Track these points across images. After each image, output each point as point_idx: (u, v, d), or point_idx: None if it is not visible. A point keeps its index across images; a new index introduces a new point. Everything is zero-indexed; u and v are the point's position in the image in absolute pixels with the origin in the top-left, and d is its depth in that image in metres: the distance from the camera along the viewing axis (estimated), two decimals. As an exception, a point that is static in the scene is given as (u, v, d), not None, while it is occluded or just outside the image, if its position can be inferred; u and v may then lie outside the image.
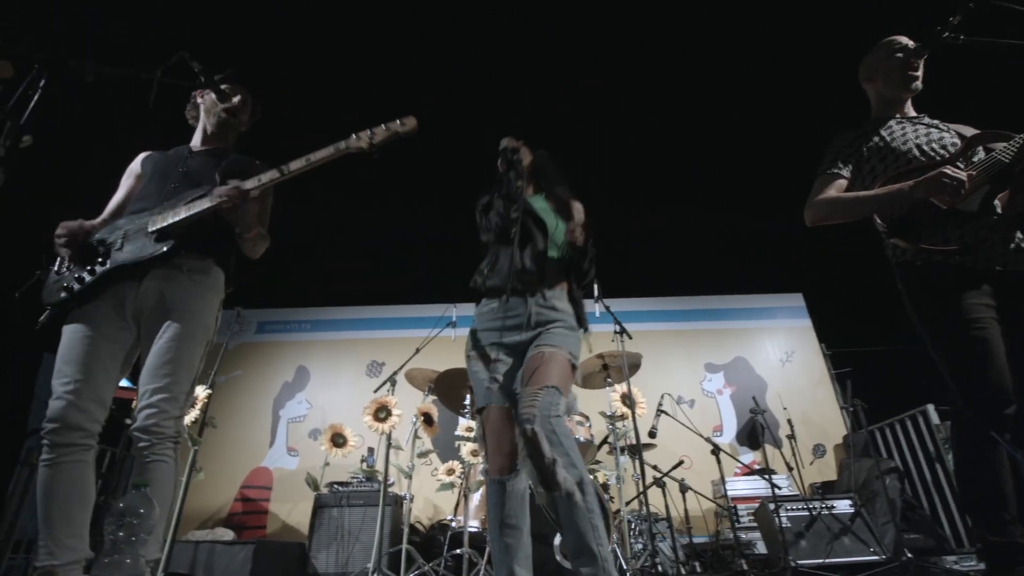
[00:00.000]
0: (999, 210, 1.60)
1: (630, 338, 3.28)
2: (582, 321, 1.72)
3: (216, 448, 4.61)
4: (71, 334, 1.46)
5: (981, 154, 1.65)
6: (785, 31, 4.31)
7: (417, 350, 3.77)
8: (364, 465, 4.14)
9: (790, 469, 3.71)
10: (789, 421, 4.30)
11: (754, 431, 3.80)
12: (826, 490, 4.11)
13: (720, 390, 4.98)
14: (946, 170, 1.54)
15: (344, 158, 1.75)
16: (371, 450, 4.26)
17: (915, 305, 1.63)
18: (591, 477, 2.71)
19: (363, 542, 3.39)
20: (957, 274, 1.55)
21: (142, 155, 1.92)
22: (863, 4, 4.18)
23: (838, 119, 2.06)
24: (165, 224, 1.56)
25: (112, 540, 1.03)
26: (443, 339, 4.10)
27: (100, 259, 1.53)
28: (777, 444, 4.46)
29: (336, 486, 3.69)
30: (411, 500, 3.44)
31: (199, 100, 1.97)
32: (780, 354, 5.13)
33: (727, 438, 4.74)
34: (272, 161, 1.97)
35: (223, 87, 1.91)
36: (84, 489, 1.37)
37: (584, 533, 1.32)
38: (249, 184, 1.62)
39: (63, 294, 1.49)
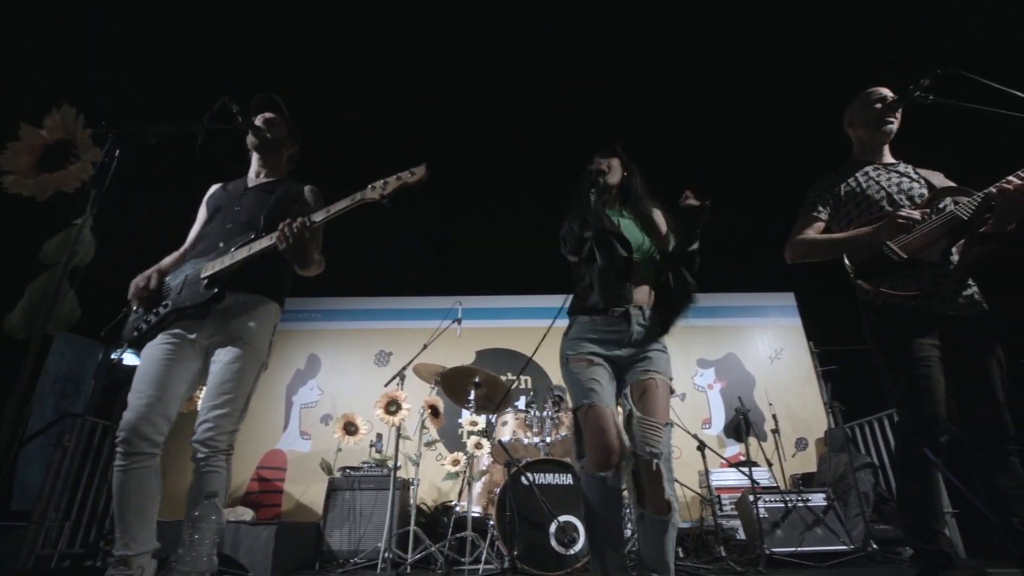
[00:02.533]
0: (954, 260, 1.80)
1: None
2: (667, 325, 1.73)
3: (233, 430, 4.88)
4: (149, 356, 1.68)
5: (949, 203, 1.83)
6: (780, 34, 4.42)
7: (425, 346, 4.00)
8: (373, 451, 4.42)
9: (770, 465, 3.97)
10: (774, 416, 4.56)
11: (739, 427, 4.05)
12: (806, 482, 4.39)
13: (711, 384, 5.23)
14: (900, 212, 1.74)
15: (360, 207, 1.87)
16: (379, 436, 4.52)
17: (874, 341, 1.85)
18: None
19: (374, 523, 3.66)
20: (911, 317, 1.76)
21: (212, 188, 2.11)
22: (853, 8, 4.28)
23: (832, 120, 2.22)
24: (214, 272, 1.76)
25: (189, 541, 1.27)
26: (448, 334, 4.30)
27: (164, 302, 1.75)
28: (762, 437, 4.72)
29: (348, 471, 3.96)
30: (417, 485, 3.71)
31: (248, 142, 2.12)
32: (770, 351, 5.37)
33: (715, 430, 5.02)
34: (319, 184, 2.16)
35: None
36: (152, 490, 1.61)
37: (668, 551, 1.50)
38: (303, 221, 1.74)
39: (135, 333, 1.72)
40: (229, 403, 1.65)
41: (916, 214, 1.73)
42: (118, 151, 1.41)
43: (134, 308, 1.83)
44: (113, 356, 6.05)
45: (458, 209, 5.47)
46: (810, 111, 4.48)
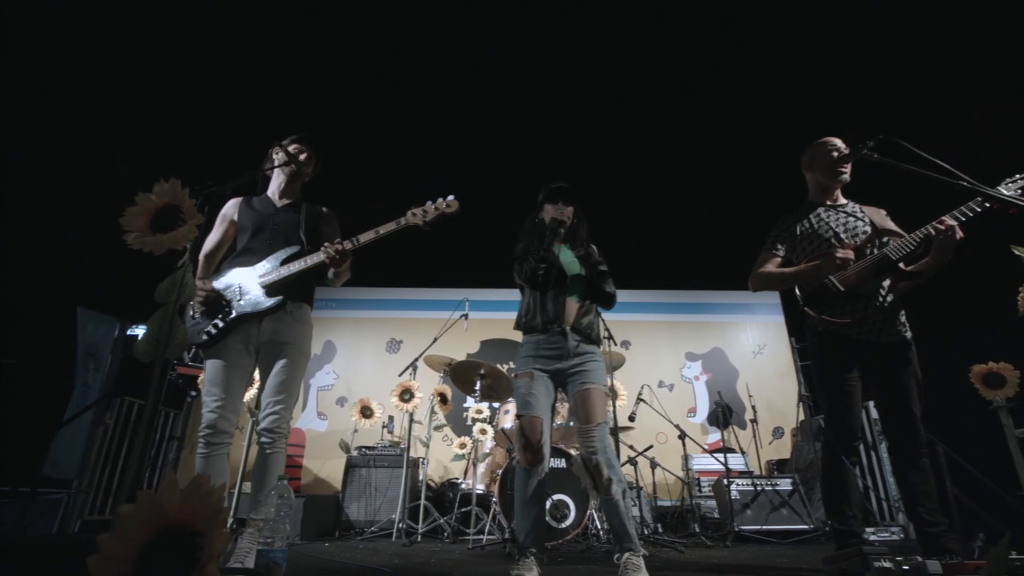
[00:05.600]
0: (883, 293, 2.15)
1: (615, 343, 3.87)
2: (597, 338, 2.21)
3: (256, 410, 5.31)
4: (214, 365, 2.04)
5: (889, 242, 2.17)
6: (764, 49, 4.68)
7: (435, 339, 4.39)
8: (386, 432, 4.85)
9: (743, 452, 4.39)
10: (753, 407, 4.97)
11: (719, 417, 4.46)
12: (779, 468, 4.81)
13: (697, 376, 5.63)
14: (836, 252, 2.10)
15: (404, 230, 2.25)
16: (391, 418, 4.95)
17: (812, 359, 2.22)
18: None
19: (388, 497, 4.10)
20: (844, 341, 2.12)
21: (234, 202, 2.39)
22: (825, 30, 4.54)
23: (812, 125, 2.53)
24: (272, 281, 2.12)
25: (267, 514, 1.66)
26: (456, 325, 4.68)
27: (227, 308, 2.11)
28: (741, 426, 5.14)
29: (364, 450, 4.39)
30: (427, 464, 4.13)
31: (275, 156, 2.46)
32: (753, 346, 5.76)
33: (699, 419, 5.44)
34: (332, 204, 2.52)
35: (291, 148, 2.43)
36: (226, 471, 2.00)
37: (625, 524, 1.94)
38: (348, 244, 2.14)
39: (204, 336, 2.07)
40: (287, 399, 2.03)
41: (851, 254, 2.08)
42: (207, 207, 1.76)
43: (193, 314, 2.18)
44: (129, 332, 6.43)
45: (467, 205, 5.80)
46: (793, 118, 4.80)
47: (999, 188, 1.95)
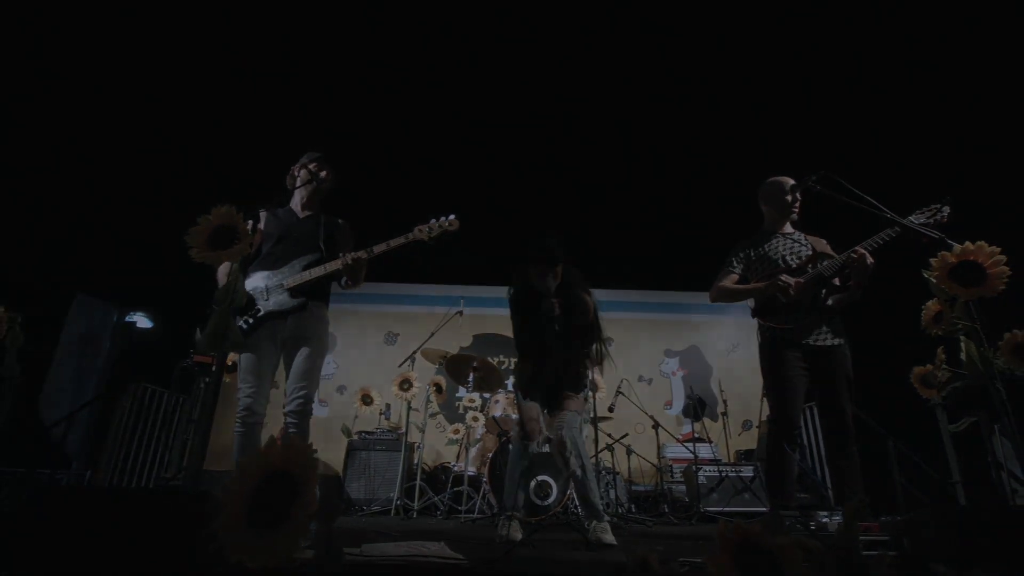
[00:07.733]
0: (819, 305, 2.53)
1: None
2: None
3: (260, 396, 5.62)
4: (248, 357, 2.36)
5: (826, 262, 2.55)
6: (755, 61, 5.02)
7: (432, 334, 4.73)
8: (383, 418, 5.19)
9: (710, 442, 4.80)
10: (725, 401, 5.38)
11: (693, 409, 4.86)
12: (747, 457, 5.23)
13: (675, 372, 6.04)
14: (781, 277, 2.46)
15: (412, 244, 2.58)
16: (388, 406, 5.29)
17: (761, 359, 2.60)
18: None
19: (386, 478, 4.45)
20: (787, 344, 2.49)
21: (261, 213, 2.69)
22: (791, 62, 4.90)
23: (780, 139, 2.88)
24: (296, 284, 2.44)
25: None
26: (451, 321, 5.01)
27: (256, 307, 2.43)
28: (714, 419, 5.56)
29: (364, 434, 4.74)
30: (422, 448, 4.49)
31: (296, 173, 2.77)
32: (727, 345, 6.16)
33: (675, 411, 5.85)
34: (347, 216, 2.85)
35: (312, 166, 2.74)
36: (259, 446, 2.34)
37: (588, 496, 2.33)
38: (363, 254, 2.43)
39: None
40: (310, 384, 2.36)
41: (792, 281, 2.44)
42: (250, 223, 2.09)
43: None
44: (127, 319, 6.67)
45: (460, 207, 6.10)
46: (770, 129, 5.17)
47: (910, 218, 2.33)
